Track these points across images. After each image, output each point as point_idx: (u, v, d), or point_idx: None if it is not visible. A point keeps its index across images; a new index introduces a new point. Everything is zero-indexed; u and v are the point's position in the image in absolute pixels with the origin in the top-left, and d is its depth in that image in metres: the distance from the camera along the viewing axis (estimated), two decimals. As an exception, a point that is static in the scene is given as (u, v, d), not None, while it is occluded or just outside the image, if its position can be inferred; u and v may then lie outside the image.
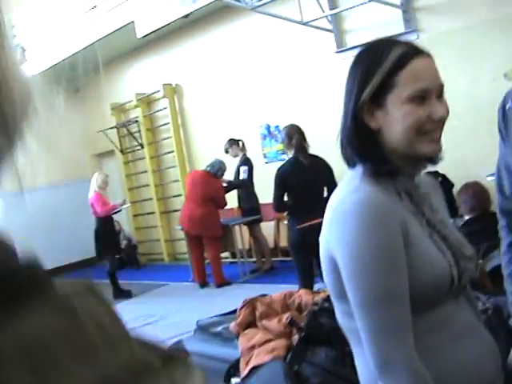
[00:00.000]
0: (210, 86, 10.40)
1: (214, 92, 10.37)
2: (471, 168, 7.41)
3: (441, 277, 1.39)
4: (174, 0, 7.62)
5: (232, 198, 9.16)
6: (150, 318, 7.42)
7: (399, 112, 1.40)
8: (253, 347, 2.51)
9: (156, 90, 11.06)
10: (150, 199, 11.80)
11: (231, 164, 9.11)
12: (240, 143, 9.11)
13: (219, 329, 2.88)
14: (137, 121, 11.61)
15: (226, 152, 9.13)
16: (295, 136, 5.24)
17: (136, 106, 11.53)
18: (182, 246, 10.86)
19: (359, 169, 1.49)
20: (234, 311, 3.18)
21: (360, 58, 1.53)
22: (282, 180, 5.26)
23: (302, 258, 5.24)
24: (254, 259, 9.42)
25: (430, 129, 1.42)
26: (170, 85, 10.97)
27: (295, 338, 2.41)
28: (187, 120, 11.01)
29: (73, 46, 10.74)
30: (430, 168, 5.80)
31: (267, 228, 8.96)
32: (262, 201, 8.75)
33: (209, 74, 10.36)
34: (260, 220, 8.90)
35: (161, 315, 7.52)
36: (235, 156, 9.12)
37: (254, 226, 8.95)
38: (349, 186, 1.46)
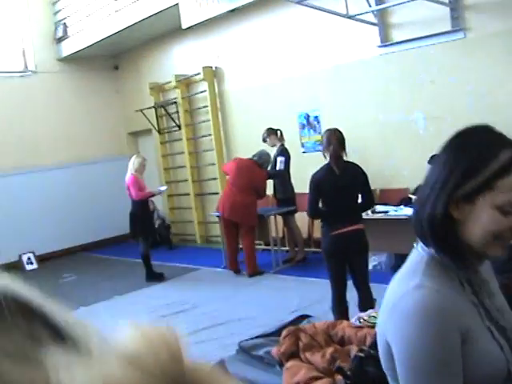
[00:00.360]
0: (251, 72, 10.37)
1: (254, 78, 10.34)
2: None
3: (497, 372, 1.41)
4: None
5: (268, 188, 9.20)
6: (182, 306, 7.52)
7: (486, 215, 1.39)
8: (297, 384, 2.56)
9: (196, 72, 11.05)
10: (185, 180, 11.87)
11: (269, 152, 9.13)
12: (278, 133, 9.09)
13: (261, 352, 2.91)
14: (175, 102, 11.64)
15: (264, 141, 9.12)
16: (333, 144, 5.19)
17: (175, 87, 11.54)
18: (215, 229, 10.94)
19: (426, 252, 1.49)
20: (276, 332, 3.21)
21: (461, 146, 1.51)
22: (316, 186, 5.25)
23: (335, 264, 5.25)
24: (287, 248, 9.47)
25: (507, 236, 1.42)
26: (210, 68, 10.95)
27: (339, 378, 2.44)
28: (226, 104, 11.00)
29: (115, 25, 10.77)
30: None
31: (302, 218, 8.94)
32: (297, 190, 8.76)
33: (250, 61, 10.33)
34: (295, 211, 8.91)
35: (193, 303, 7.61)
36: (273, 146, 9.11)
37: (288, 216, 8.96)
38: (412, 278, 1.46)
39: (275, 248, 8.96)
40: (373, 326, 2.93)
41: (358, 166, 5.42)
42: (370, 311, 3.59)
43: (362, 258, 5.32)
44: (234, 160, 9.17)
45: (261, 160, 8.68)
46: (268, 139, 9.07)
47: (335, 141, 5.19)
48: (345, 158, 5.39)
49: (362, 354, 2.26)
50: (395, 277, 1.55)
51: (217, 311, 7.13)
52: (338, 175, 5.13)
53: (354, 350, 2.66)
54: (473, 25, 7.36)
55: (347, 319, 5.12)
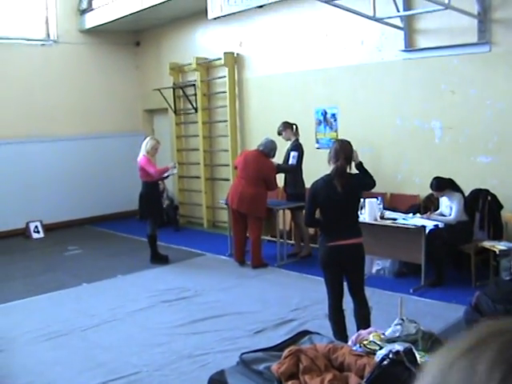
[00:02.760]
0: (272, 62, 10.36)
1: (274, 69, 10.33)
2: (524, 192, 7.32)
3: None
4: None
5: (279, 181, 9.24)
6: (185, 293, 7.58)
7: None
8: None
9: (217, 57, 11.03)
10: (197, 164, 11.90)
11: (282, 146, 9.14)
12: (294, 127, 9.09)
13: (261, 367, 2.95)
14: (194, 84, 11.63)
15: (279, 134, 9.12)
16: (340, 161, 5.09)
17: (195, 70, 11.53)
18: (223, 215, 10.99)
19: None
20: (277, 345, 3.26)
21: None
22: (314, 196, 5.20)
23: (331, 274, 5.23)
24: (293, 242, 9.51)
25: None
26: (232, 54, 10.93)
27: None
28: (244, 92, 11.00)
29: (141, 2, 10.75)
30: (481, 186, 5.81)
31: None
32: (309, 186, 8.76)
33: (272, 51, 10.31)
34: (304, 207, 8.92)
35: (195, 290, 7.67)
36: (287, 140, 9.11)
37: (296, 211, 8.99)
38: None
39: (281, 241, 9.00)
40: (373, 353, 2.97)
41: (358, 177, 5.34)
42: (370, 329, 3.62)
43: (359, 268, 5.29)
44: (242, 152, 9.20)
45: (267, 149, 8.67)
46: (284, 133, 9.07)
47: (343, 159, 5.09)
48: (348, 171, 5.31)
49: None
50: None
51: (218, 302, 7.19)
52: (339, 187, 5.06)
53: (351, 377, 2.71)
54: (499, 39, 7.32)
55: (344, 329, 5.16)
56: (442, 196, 7.43)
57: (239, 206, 8.62)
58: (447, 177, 7.37)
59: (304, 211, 5.35)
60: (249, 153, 8.96)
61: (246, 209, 8.56)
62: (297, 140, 9.04)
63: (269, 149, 8.68)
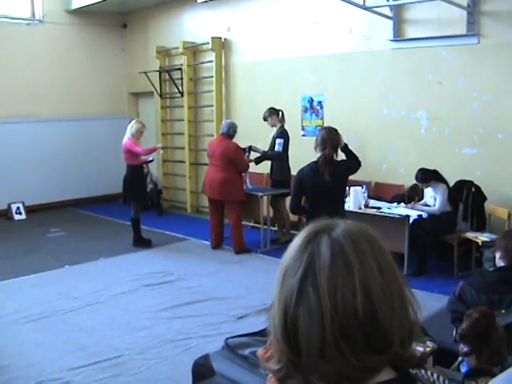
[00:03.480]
0: (259, 48, 10.31)
1: (262, 55, 10.28)
2: (507, 185, 7.37)
3: None
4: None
5: (265, 168, 9.25)
6: (167, 277, 7.57)
7: None
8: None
9: (205, 41, 10.96)
10: (182, 148, 11.84)
11: (268, 132, 9.14)
12: (280, 113, 9.06)
13: (246, 352, 2.95)
14: (180, 68, 11.55)
15: (265, 120, 9.09)
16: (327, 149, 5.08)
17: (182, 54, 11.44)
18: (206, 200, 10.91)
19: None
20: (263, 330, 3.26)
21: None
22: (300, 183, 5.18)
23: None
24: (276, 228, 9.52)
25: None
26: (220, 39, 10.85)
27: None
28: (231, 77, 10.94)
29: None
30: (465, 177, 5.83)
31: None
32: (295, 173, 8.77)
33: (260, 37, 10.25)
34: (288, 194, 8.94)
35: (178, 275, 7.67)
36: (273, 126, 9.08)
37: (279, 197, 9.00)
38: None
39: (265, 227, 8.99)
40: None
41: (345, 161, 5.34)
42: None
43: None
44: (209, 142, 9.25)
45: (226, 130, 8.63)
46: (269, 119, 9.04)
47: (330, 147, 5.09)
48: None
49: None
50: None
51: (201, 287, 7.19)
52: (326, 175, 5.05)
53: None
54: (488, 32, 7.33)
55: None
56: (427, 187, 7.47)
57: (212, 193, 8.67)
58: (432, 168, 7.40)
59: (290, 198, 5.34)
60: (214, 140, 9.11)
61: (219, 195, 8.58)
62: (282, 127, 9.01)
63: (228, 129, 8.62)
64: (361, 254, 1.01)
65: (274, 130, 9.10)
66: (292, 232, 9.11)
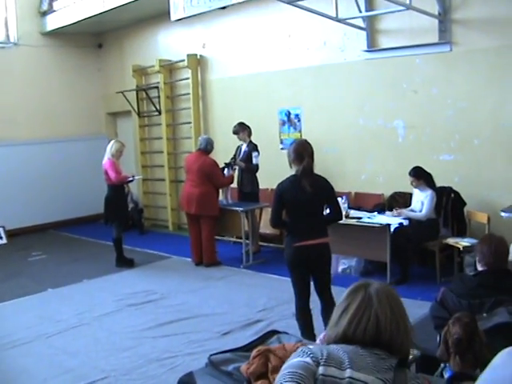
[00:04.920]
0: (235, 64, 10.35)
1: (237, 71, 10.33)
2: (485, 189, 7.43)
3: None
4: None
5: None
6: (150, 296, 7.52)
7: None
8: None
9: (180, 58, 10.99)
10: (162, 166, 11.84)
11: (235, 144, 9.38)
12: (249, 129, 9.18)
13: (230, 368, 2.94)
14: (157, 86, 11.58)
15: (235, 133, 9.22)
16: (306, 159, 5.02)
17: (158, 72, 11.46)
18: (188, 217, 10.94)
19: None
20: (246, 346, 3.25)
21: None
22: (280, 197, 5.14)
23: (298, 275, 5.19)
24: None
25: None
26: (195, 56, 10.89)
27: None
28: (207, 93, 10.97)
29: (102, 4, 10.66)
30: (444, 183, 5.86)
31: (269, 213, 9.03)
32: (273, 186, 8.78)
33: (235, 53, 10.31)
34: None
35: (162, 293, 7.62)
36: (243, 140, 9.23)
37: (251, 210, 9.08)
38: None
39: (247, 242, 8.98)
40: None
41: (325, 179, 5.28)
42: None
43: (325, 267, 5.28)
44: (185, 157, 9.38)
45: (204, 146, 8.71)
46: (241, 133, 9.20)
47: (308, 157, 5.04)
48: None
49: None
50: None
51: (185, 304, 7.15)
52: (306, 187, 5.00)
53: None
54: (460, 39, 7.42)
55: (312, 328, 5.16)
56: (417, 187, 7.41)
57: (189, 208, 8.74)
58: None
59: (270, 212, 5.30)
60: (191, 155, 9.17)
61: (195, 209, 8.65)
62: (251, 141, 9.19)
63: (206, 145, 8.72)
64: (379, 299, 1.78)
65: (244, 145, 9.20)
66: (260, 244, 9.21)
